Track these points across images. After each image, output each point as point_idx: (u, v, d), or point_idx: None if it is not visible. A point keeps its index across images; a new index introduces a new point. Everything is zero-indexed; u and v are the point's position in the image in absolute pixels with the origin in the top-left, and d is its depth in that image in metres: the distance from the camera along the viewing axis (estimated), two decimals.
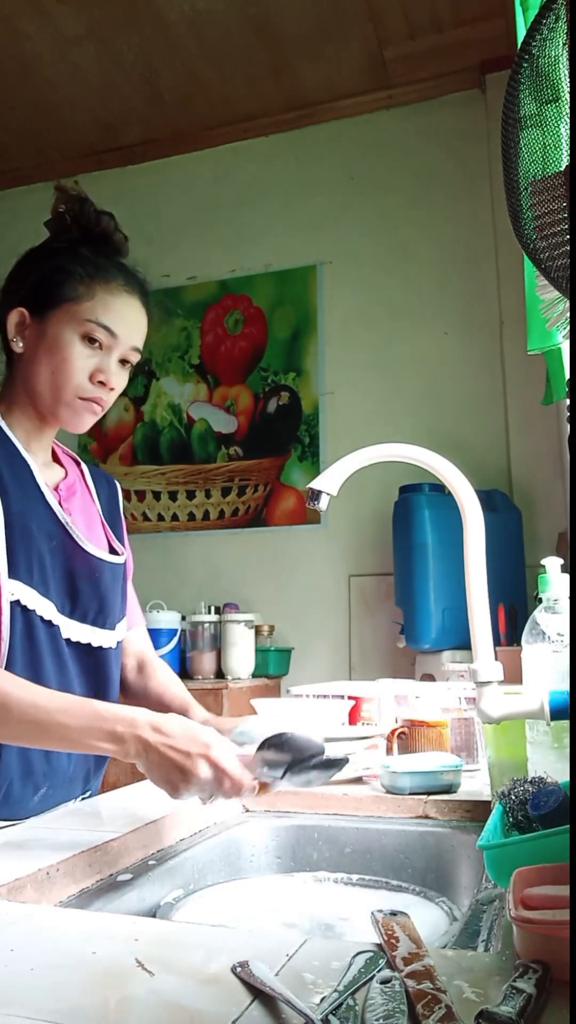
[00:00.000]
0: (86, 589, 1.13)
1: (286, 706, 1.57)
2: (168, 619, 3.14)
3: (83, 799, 1.18)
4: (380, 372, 3.49)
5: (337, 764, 0.95)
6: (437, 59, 3.42)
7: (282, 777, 0.92)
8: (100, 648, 1.15)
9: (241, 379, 3.74)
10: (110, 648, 1.17)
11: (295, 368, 3.65)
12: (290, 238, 3.72)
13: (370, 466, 1.05)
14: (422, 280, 3.48)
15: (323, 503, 1.03)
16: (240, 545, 3.62)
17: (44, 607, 1.06)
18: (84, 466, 1.28)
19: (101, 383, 1.11)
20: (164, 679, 1.30)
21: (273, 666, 3.26)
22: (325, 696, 1.67)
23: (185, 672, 3.15)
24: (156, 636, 3.06)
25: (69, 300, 1.09)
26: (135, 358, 1.15)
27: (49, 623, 1.07)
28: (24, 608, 1.03)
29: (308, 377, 3.62)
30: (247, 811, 1.21)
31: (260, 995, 0.53)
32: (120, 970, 0.58)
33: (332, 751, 0.95)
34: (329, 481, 1.03)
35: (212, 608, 3.29)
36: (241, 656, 3.09)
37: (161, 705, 1.24)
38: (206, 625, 3.18)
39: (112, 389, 1.12)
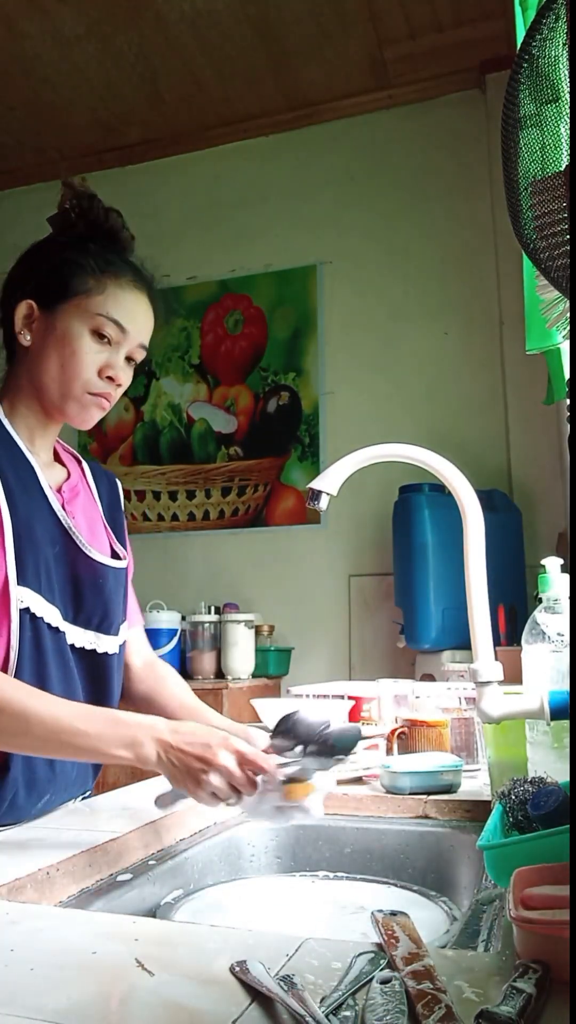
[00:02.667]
0: (90, 595, 1.12)
1: (286, 706, 1.57)
2: (168, 619, 3.14)
3: (83, 799, 1.18)
4: (380, 372, 3.49)
5: (348, 739, 0.94)
6: (437, 59, 3.42)
7: (303, 755, 0.91)
8: (104, 654, 1.14)
9: (241, 379, 3.74)
10: (113, 654, 1.16)
11: (295, 368, 3.65)
12: (290, 238, 3.72)
13: (370, 466, 1.05)
14: (422, 280, 3.48)
15: (323, 503, 1.03)
16: (240, 545, 3.62)
17: (51, 613, 1.04)
18: (85, 464, 1.27)
19: (109, 378, 1.09)
20: (174, 685, 1.27)
21: (273, 666, 3.26)
22: (325, 696, 1.67)
23: (185, 672, 3.15)
24: (156, 636, 3.06)
25: (79, 293, 1.07)
26: (140, 356, 1.13)
27: (56, 629, 1.05)
28: (32, 615, 1.02)
29: (308, 377, 3.62)
30: None
31: (260, 995, 0.53)
32: (120, 970, 0.58)
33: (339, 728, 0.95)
34: (329, 481, 1.03)
35: (212, 608, 3.29)
36: (241, 656, 3.09)
37: (172, 710, 1.21)
38: (206, 625, 3.18)
39: (119, 385, 1.11)
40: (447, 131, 3.53)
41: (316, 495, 1.03)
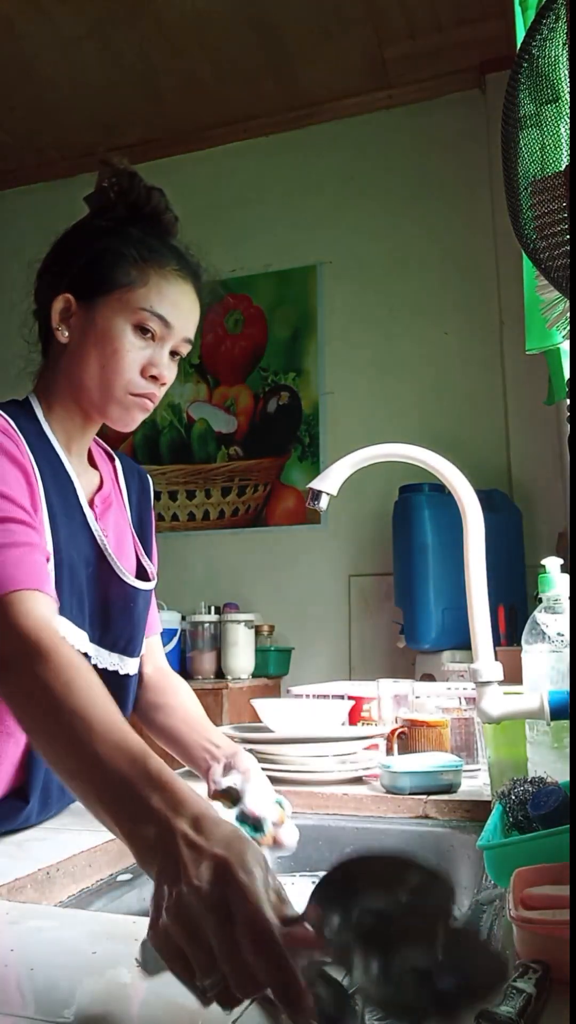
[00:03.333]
0: (119, 618, 1.07)
1: (286, 706, 1.57)
2: (168, 619, 3.14)
3: None
4: (380, 372, 3.50)
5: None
6: (437, 59, 3.43)
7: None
8: (126, 676, 1.09)
9: (241, 379, 3.74)
10: (133, 675, 1.11)
11: (295, 368, 3.65)
12: (290, 238, 3.72)
13: (370, 466, 1.05)
14: (422, 280, 3.48)
15: (323, 503, 1.04)
16: (240, 545, 3.62)
17: (80, 639, 1.00)
18: (117, 461, 1.19)
19: (153, 377, 1.01)
20: (184, 698, 1.18)
21: (273, 666, 3.26)
22: (325, 696, 1.67)
23: (185, 672, 3.15)
24: None
25: (121, 286, 0.99)
26: (186, 350, 1.05)
27: (84, 655, 1.00)
28: None
29: (308, 377, 3.62)
30: None
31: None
32: (120, 970, 0.58)
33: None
34: (329, 481, 1.03)
35: (212, 608, 3.29)
36: (241, 656, 3.09)
37: (176, 720, 1.15)
38: (206, 625, 3.18)
39: (164, 384, 1.03)
40: (447, 131, 3.53)
41: (316, 495, 1.03)
